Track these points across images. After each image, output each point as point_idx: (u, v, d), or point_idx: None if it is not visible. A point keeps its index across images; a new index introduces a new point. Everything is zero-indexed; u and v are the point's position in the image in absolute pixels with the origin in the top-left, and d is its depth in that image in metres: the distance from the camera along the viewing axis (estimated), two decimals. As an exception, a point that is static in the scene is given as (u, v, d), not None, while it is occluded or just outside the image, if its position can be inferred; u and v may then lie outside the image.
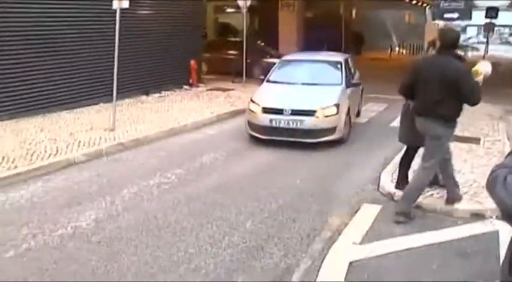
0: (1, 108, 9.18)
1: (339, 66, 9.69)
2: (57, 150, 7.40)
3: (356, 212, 5.46)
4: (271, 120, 8.25)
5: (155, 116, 10.33)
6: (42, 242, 4.61)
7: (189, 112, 10.78)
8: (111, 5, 8.68)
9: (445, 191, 5.63)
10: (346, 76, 9.45)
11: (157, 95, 13.10)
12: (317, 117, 8.18)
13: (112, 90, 9.11)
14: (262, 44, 19.37)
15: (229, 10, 32.61)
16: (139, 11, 12.33)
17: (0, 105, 9.15)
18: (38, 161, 6.91)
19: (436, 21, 7.07)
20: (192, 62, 14.74)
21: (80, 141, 7.93)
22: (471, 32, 79.03)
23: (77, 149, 7.54)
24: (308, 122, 8.14)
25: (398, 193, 5.82)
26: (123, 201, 5.70)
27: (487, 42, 24.16)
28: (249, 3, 14.49)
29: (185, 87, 14.53)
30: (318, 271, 4.05)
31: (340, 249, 4.47)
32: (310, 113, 8.20)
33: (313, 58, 10.81)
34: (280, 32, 21.75)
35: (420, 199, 5.55)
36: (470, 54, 25.62)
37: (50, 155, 7.18)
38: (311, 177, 6.75)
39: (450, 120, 5.11)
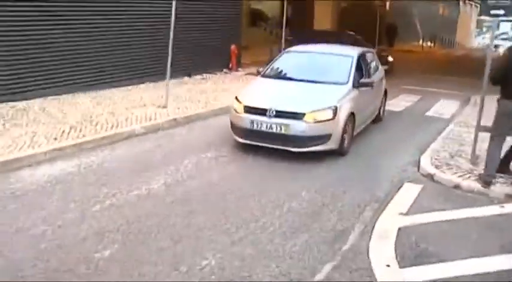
0: (58, 83, 9.85)
1: (349, 61, 8.16)
2: (117, 123, 8.02)
3: (399, 189, 5.96)
4: (252, 122, 7.01)
5: (201, 95, 10.92)
6: (122, 199, 5.22)
7: (233, 93, 11.33)
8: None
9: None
10: (357, 74, 8.01)
11: (199, 77, 13.73)
12: (306, 121, 6.83)
13: (160, 70, 9.75)
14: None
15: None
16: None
17: (57, 80, 9.83)
18: (103, 131, 7.51)
19: (482, 17, 7.18)
20: (233, 47, 15.29)
21: (137, 116, 8.55)
22: (504, 27, 78.03)
23: (135, 122, 8.17)
24: (294, 127, 6.82)
25: (438, 174, 6.33)
26: (186, 170, 6.29)
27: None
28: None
29: (225, 70, 15.11)
30: (371, 233, 4.60)
31: (388, 218, 5.00)
32: (297, 116, 6.86)
33: (322, 51, 9.11)
34: (316, 21, 22.11)
35: (460, 180, 6.07)
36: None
37: (112, 126, 7.80)
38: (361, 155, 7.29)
39: None
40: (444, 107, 12.04)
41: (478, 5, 50.57)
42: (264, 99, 7.31)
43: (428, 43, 35.10)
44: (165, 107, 9.35)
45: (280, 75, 8.30)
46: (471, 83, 12.17)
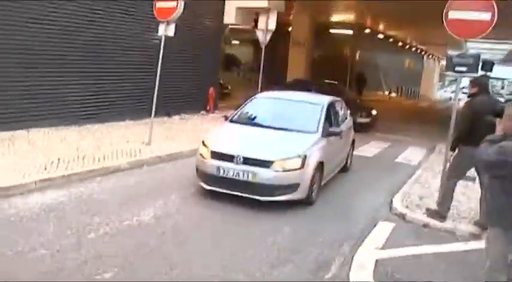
0: (42, 116, 10.11)
1: (319, 110, 8.07)
2: (104, 157, 8.31)
3: (374, 227, 6.41)
4: (218, 168, 6.80)
5: (182, 135, 11.31)
6: (115, 229, 5.48)
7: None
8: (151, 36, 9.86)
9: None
10: (326, 122, 7.89)
11: (177, 117, 14.13)
12: (274, 169, 6.68)
13: (140, 109, 10.10)
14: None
15: (234, 42, 34.16)
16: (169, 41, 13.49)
17: (41, 114, 10.08)
18: (90, 165, 7.80)
19: (447, 72, 7.75)
20: (211, 90, 15.84)
21: (122, 151, 8.85)
22: (464, 82, 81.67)
23: (121, 157, 8.46)
24: (263, 175, 6.63)
25: (409, 214, 6.84)
26: (174, 203, 6.60)
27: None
28: (268, 37, 15.68)
29: (202, 112, 15.59)
30: (351, 264, 4.99)
31: (366, 251, 5.42)
32: (265, 163, 6.68)
33: (292, 98, 9.03)
34: (290, 67, 23.03)
35: (429, 219, 6.59)
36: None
37: (99, 160, 8.09)
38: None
39: None
40: (412, 154, 12.73)
41: (441, 60, 53.34)
42: (232, 145, 7.09)
43: (393, 94, 36.61)
44: (148, 144, 9.67)
45: (248, 121, 8.14)
46: (435, 132, 12.92)
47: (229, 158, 6.80)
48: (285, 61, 23.05)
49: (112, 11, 11.69)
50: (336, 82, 18.53)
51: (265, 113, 8.35)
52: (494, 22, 6.52)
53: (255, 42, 17.58)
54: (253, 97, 8.89)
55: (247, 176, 6.68)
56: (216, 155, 6.93)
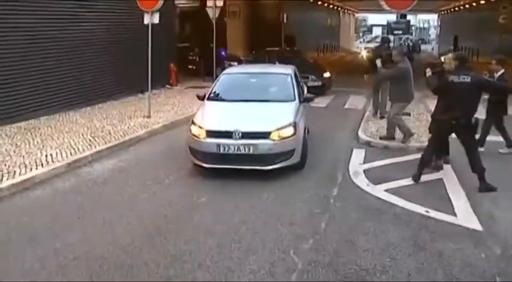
0: (39, 106, 11.52)
1: (289, 79, 8.84)
2: (124, 131, 10.18)
3: (351, 152, 8.93)
4: (218, 146, 7.18)
5: (167, 107, 13.27)
6: (175, 173, 7.59)
7: (191, 104, 13.75)
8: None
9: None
10: (299, 90, 8.73)
11: (147, 93, 15.87)
12: (272, 140, 7.23)
13: (119, 89, 11.90)
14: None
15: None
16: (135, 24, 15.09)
17: (39, 103, 11.53)
18: (120, 138, 9.62)
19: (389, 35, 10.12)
20: (172, 65, 17.65)
21: (134, 125, 10.75)
22: (376, 31, 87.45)
23: (139, 130, 10.36)
24: (262, 146, 7.17)
25: (373, 141, 9.45)
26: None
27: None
28: (218, 12, 17.53)
29: (167, 86, 17.40)
30: (349, 173, 7.51)
31: (354, 166, 7.95)
32: (264, 135, 7.24)
33: (260, 71, 9.99)
34: (228, 36, 24.96)
35: (387, 143, 9.26)
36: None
37: (124, 133, 9.97)
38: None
39: None
40: (355, 100, 15.40)
41: (355, 14, 57.06)
42: (226, 122, 7.51)
43: (321, 50, 39.62)
44: (149, 117, 11.60)
45: (228, 98, 8.53)
46: (364, 82, 15.50)
47: (227, 134, 7.20)
48: (225, 31, 24.90)
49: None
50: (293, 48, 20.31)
51: (241, 88, 8.81)
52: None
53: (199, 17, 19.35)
54: (222, 73, 9.50)
55: (249, 149, 7.15)
56: (214, 134, 7.31)
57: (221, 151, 7.24)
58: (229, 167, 7.28)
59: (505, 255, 4.97)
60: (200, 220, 5.84)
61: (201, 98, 8.74)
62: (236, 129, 7.20)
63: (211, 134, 7.35)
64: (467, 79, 6.70)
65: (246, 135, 7.20)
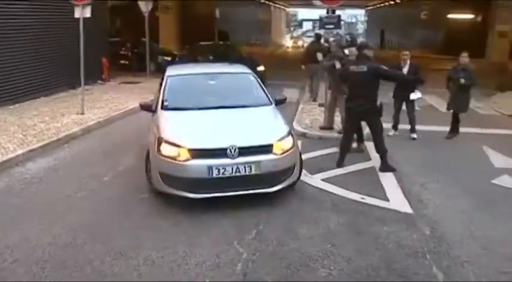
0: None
1: (252, 79, 7.64)
2: (57, 129, 9.87)
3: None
4: (210, 169, 5.66)
5: (100, 103, 12.96)
6: (110, 168, 7.49)
7: (126, 100, 13.54)
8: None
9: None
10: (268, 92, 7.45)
11: (79, 88, 15.43)
12: (275, 154, 5.92)
13: (52, 85, 11.49)
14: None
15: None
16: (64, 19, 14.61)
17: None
18: (55, 135, 9.27)
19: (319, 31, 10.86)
20: (104, 60, 17.22)
21: (68, 122, 10.44)
22: (306, 26, 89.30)
23: (74, 127, 10.08)
24: (267, 163, 5.81)
25: (308, 132, 9.73)
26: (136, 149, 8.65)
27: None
28: (150, 6, 17.28)
29: (99, 81, 16.97)
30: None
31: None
32: (265, 148, 5.90)
33: (214, 71, 8.26)
34: (161, 31, 24.67)
35: (321, 133, 9.58)
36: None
37: (58, 131, 9.66)
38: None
39: None
40: (289, 93, 15.59)
41: (285, 9, 57.86)
42: (212, 136, 6.00)
43: (254, 44, 39.96)
44: (82, 113, 11.30)
45: (192, 105, 6.83)
46: (299, 74, 15.89)
47: (220, 152, 5.71)
48: (157, 25, 24.58)
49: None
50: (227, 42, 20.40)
51: (202, 92, 7.29)
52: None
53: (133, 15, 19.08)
54: (167, 76, 7.59)
55: (250, 169, 5.74)
56: (201, 153, 5.73)
57: (214, 175, 5.69)
58: (227, 194, 5.82)
59: (434, 235, 5.33)
60: (143, 216, 5.82)
61: (148, 108, 7.09)
62: (232, 145, 5.72)
63: (197, 153, 5.72)
64: (364, 68, 7.32)
65: (244, 151, 5.75)
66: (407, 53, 9.82)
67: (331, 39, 10.89)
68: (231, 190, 5.86)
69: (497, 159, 8.27)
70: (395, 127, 9.89)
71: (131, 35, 22.09)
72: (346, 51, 9.40)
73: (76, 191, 6.60)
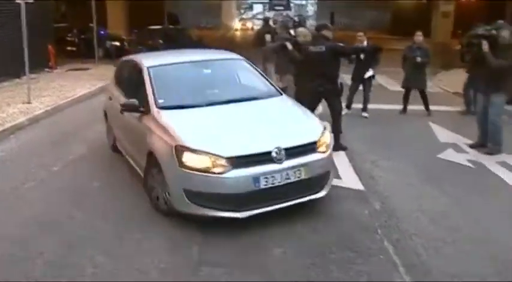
0: None
1: (248, 65, 6.72)
2: (3, 119, 9.51)
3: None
4: (256, 180, 4.70)
5: (47, 92, 12.54)
6: (59, 157, 7.31)
7: (74, 87, 13.15)
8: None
9: None
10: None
11: (24, 77, 14.88)
12: (321, 152, 5.19)
13: None
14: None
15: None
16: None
17: None
18: (1, 126, 8.94)
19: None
20: (50, 47, 16.62)
21: (13, 112, 10.06)
22: (257, 8, 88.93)
23: (21, 117, 9.71)
24: (315, 164, 5.06)
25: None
26: (86, 138, 8.46)
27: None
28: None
29: (46, 69, 16.38)
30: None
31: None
32: (311, 147, 5.12)
33: (202, 58, 6.96)
34: (109, 16, 24.00)
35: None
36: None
37: (4, 122, 9.28)
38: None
39: None
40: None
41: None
42: (247, 139, 4.95)
43: (203, 27, 39.57)
44: (29, 102, 10.91)
45: (194, 101, 5.70)
46: (249, 57, 15.92)
47: (264, 157, 4.76)
48: (104, 14, 23.84)
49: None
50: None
51: (199, 85, 6.24)
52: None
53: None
54: (147, 66, 6.15)
55: (300, 173, 4.91)
56: (242, 161, 4.69)
57: (262, 186, 4.72)
58: (278, 207, 4.89)
59: (385, 210, 5.49)
60: (95, 205, 5.71)
61: (134, 108, 5.70)
62: (277, 147, 4.81)
63: (238, 162, 4.69)
64: (323, 48, 7.39)
65: (289, 153, 4.88)
66: (361, 34, 10.08)
67: (280, 20, 11.04)
68: (281, 202, 4.90)
69: (442, 135, 8.59)
70: (348, 107, 10.07)
71: (78, 21, 21.39)
72: (292, 31, 9.54)
73: (24, 182, 6.39)
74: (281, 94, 6.29)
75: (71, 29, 20.99)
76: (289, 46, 8.31)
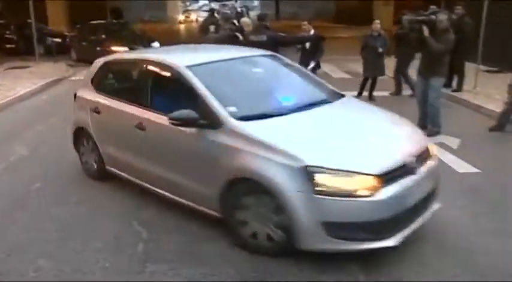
0: None
1: (289, 62, 6.03)
2: None
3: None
4: (403, 199, 3.98)
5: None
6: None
7: (14, 86, 12.65)
8: None
9: None
10: None
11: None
12: (433, 158, 4.61)
13: None
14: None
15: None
16: None
17: None
18: None
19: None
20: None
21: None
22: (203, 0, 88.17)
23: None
24: (436, 172, 4.55)
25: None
26: (40, 133, 8.20)
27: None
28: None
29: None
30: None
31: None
32: (428, 153, 4.57)
33: (239, 55, 5.70)
34: (49, 11, 23.24)
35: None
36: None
37: None
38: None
39: None
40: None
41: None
42: (377, 149, 4.17)
43: (148, 20, 38.97)
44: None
45: (274, 108, 4.71)
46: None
47: (402, 170, 4.05)
48: (44, 9, 23.05)
49: None
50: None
51: (260, 88, 5.23)
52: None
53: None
54: (184, 66, 4.82)
55: (430, 184, 4.40)
56: (389, 177, 3.91)
57: (409, 204, 4.04)
58: (414, 228, 4.13)
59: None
60: (37, 207, 5.53)
61: (192, 122, 4.40)
62: (411, 155, 4.18)
63: (386, 179, 3.89)
64: (264, 37, 7.67)
65: (419, 160, 4.26)
66: (305, 23, 10.25)
67: (225, 11, 11.13)
68: (416, 220, 4.19)
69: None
70: None
71: (16, 17, 20.56)
72: (236, 22, 9.67)
73: (-39, 187, 6.14)
74: (343, 96, 5.36)
75: (8, 26, 20.14)
76: (240, 37, 8.49)
